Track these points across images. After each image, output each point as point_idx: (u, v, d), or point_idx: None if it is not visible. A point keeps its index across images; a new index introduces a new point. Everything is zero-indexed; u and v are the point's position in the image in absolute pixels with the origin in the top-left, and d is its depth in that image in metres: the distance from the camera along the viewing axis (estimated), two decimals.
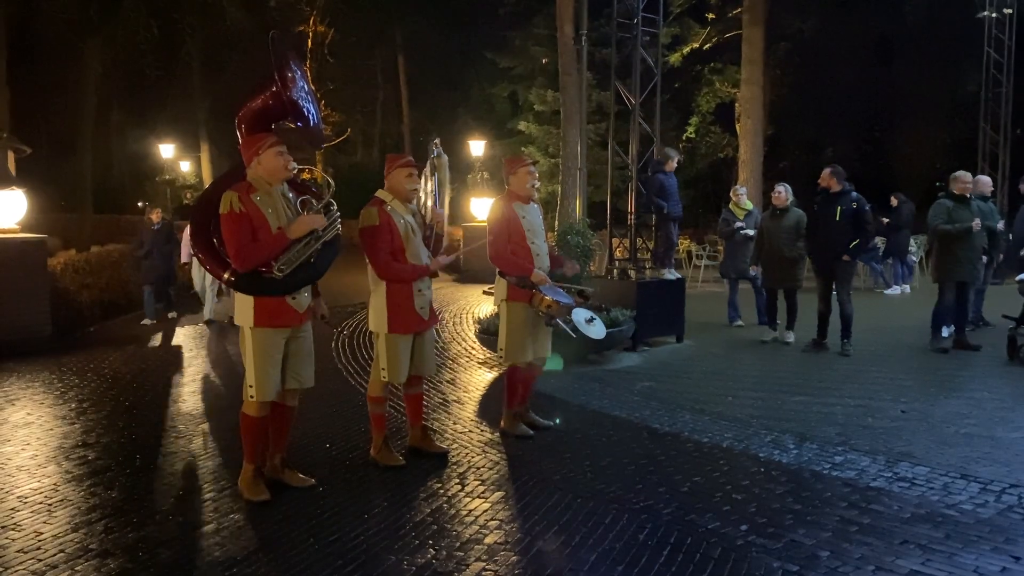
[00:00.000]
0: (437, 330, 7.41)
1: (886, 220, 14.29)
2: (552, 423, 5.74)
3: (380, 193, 4.84)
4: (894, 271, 14.26)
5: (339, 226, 4.34)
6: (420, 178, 4.94)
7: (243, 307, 4.17)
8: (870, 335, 9.14)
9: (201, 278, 10.65)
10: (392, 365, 4.79)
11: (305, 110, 4.71)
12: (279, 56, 4.49)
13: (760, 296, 9.80)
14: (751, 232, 9.92)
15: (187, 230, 9.83)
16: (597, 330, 5.45)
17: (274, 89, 4.35)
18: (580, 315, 5.37)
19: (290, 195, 4.28)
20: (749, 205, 10.38)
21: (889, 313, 11.46)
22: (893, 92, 23.95)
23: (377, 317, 4.81)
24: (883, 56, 23.78)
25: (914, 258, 14.87)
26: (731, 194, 10.75)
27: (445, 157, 5.33)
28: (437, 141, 5.41)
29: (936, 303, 8.44)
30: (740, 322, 10.28)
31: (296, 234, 4.08)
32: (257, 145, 4.14)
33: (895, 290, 13.92)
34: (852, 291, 8.50)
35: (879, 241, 14.27)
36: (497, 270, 5.45)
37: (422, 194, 5.05)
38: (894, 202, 14.17)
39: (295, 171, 4.21)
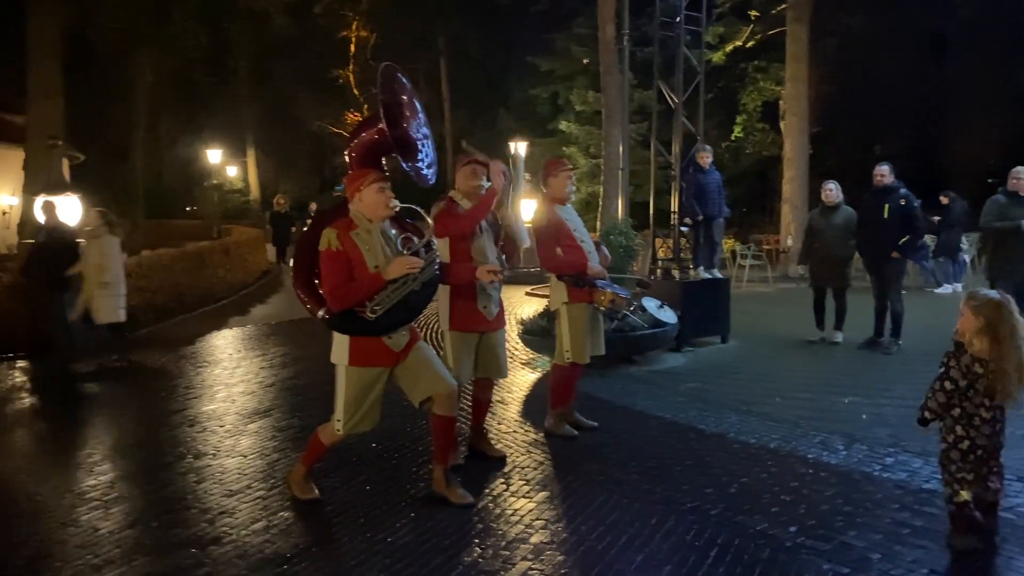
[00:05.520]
0: None
1: (937, 218, 13.98)
2: (596, 424, 5.73)
3: (452, 193, 4.86)
4: (945, 270, 13.96)
5: (437, 266, 4.19)
6: (483, 176, 4.79)
7: (340, 345, 4.08)
8: (922, 334, 8.94)
9: None
10: (455, 362, 4.72)
11: (420, 153, 4.45)
12: (389, 89, 4.32)
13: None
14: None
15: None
16: (669, 315, 5.53)
17: (380, 125, 4.18)
18: (651, 303, 5.41)
19: (392, 232, 4.15)
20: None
21: (941, 312, 11.18)
22: (944, 88, 23.44)
23: (442, 314, 4.81)
24: (934, 51, 23.29)
25: (966, 256, 14.53)
26: None
27: (520, 155, 5.35)
28: (516, 145, 5.47)
29: None
30: None
31: (392, 275, 3.94)
32: (360, 180, 4.04)
33: (946, 289, 13.62)
34: (903, 290, 8.34)
35: (929, 239, 13.99)
36: (553, 275, 5.45)
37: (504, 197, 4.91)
38: (944, 201, 13.88)
39: (396, 208, 4.08)
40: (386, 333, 4.03)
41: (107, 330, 8.54)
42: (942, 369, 3.56)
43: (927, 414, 3.61)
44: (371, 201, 4.02)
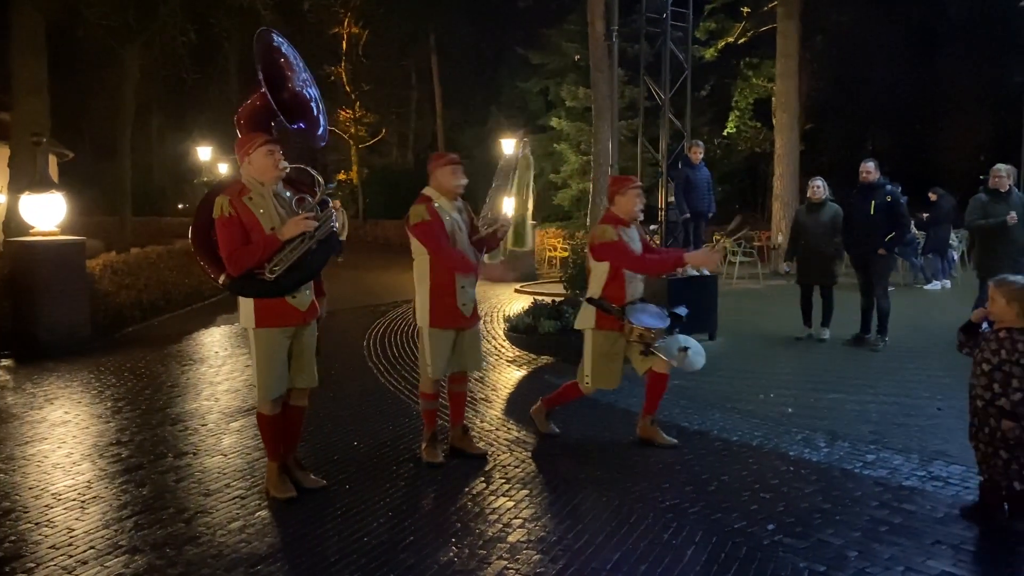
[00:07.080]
0: None
1: (925, 215, 14.01)
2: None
3: (427, 191, 4.85)
4: (934, 266, 13.99)
5: (335, 224, 4.24)
6: (463, 174, 4.86)
7: (246, 309, 4.16)
8: (909, 331, 8.96)
9: None
10: (433, 359, 4.82)
11: (315, 109, 4.58)
12: (264, 56, 4.35)
13: None
14: None
15: None
16: (693, 360, 5.00)
17: (261, 90, 4.28)
18: (672, 344, 4.98)
19: (286, 194, 4.22)
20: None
21: (929, 309, 11.23)
22: (934, 85, 23.48)
23: (421, 312, 4.84)
24: (924, 48, 23.31)
25: (954, 253, 14.56)
26: None
27: (530, 157, 5.25)
28: (526, 140, 5.36)
29: (976, 299, 8.25)
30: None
31: (287, 236, 4.02)
32: (248, 145, 4.12)
33: (935, 285, 13.65)
34: (891, 287, 8.34)
35: (918, 236, 14.01)
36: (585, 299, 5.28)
37: (497, 191, 4.96)
38: (933, 197, 13.90)
39: (286, 170, 4.15)
40: (288, 293, 4.12)
41: None
42: None
43: None
44: (260, 164, 4.10)
